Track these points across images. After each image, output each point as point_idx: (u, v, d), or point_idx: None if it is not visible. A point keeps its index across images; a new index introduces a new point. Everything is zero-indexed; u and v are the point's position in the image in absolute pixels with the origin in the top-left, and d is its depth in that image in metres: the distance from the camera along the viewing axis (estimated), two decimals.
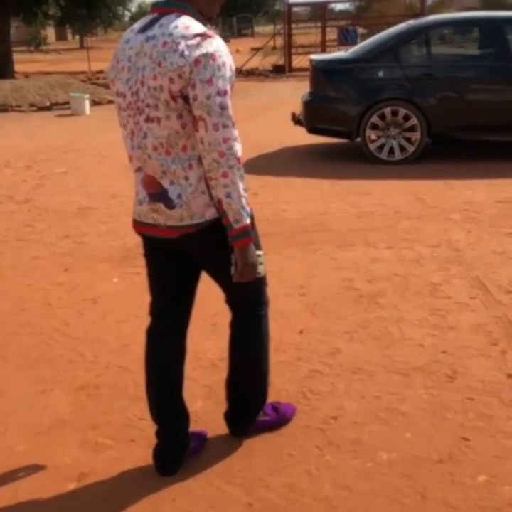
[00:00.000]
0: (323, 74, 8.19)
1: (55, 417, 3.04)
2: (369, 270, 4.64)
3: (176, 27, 2.11)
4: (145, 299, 4.34)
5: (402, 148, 7.92)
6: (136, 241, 5.47)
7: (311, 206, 6.16)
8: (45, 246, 5.41)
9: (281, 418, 2.91)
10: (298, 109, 8.77)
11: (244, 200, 2.20)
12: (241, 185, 2.17)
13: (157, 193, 2.28)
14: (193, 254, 2.43)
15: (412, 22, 8.46)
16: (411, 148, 7.89)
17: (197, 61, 2.05)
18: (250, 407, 2.82)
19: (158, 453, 2.66)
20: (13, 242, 5.53)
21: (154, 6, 2.26)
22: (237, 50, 29.16)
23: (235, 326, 2.74)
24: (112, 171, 8.08)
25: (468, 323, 3.79)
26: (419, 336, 3.66)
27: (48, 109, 14.26)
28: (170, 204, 2.26)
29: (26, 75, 20.39)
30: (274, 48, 26.55)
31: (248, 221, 2.23)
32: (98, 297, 4.35)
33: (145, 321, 3.96)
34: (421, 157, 7.91)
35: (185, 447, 2.68)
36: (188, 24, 2.12)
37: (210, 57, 2.06)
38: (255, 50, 24.99)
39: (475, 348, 3.51)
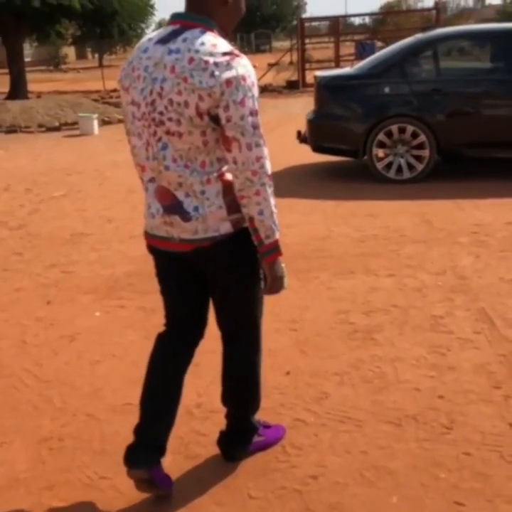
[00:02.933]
0: (327, 91, 7.93)
1: (9, 475, 2.78)
2: (367, 301, 4.34)
3: (203, 44, 2.10)
4: (126, 335, 4.13)
5: (411, 167, 7.62)
6: (125, 270, 5.29)
7: (312, 230, 5.88)
8: (31, 276, 5.17)
9: (275, 436, 2.86)
10: (304, 127, 8.50)
11: (275, 216, 2.24)
12: (272, 202, 2.22)
13: (171, 205, 2.26)
14: (203, 269, 2.40)
15: (419, 35, 8.16)
16: (420, 167, 7.59)
17: (228, 82, 2.07)
18: (244, 430, 2.77)
19: (132, 447, 2.58)
20: None
21: (175, 17, 2.23)
22: (255, 66, 28.67)
23: (226, 356, 2.68)
24: (111, 193, 7.86)
25: (470, 362, 3.48)
26: (416, 377, 3.35)
27: (56, 129, 14.14)
28: (186, 216, 2.24)
29: (38, 95, 20.36)
30: (290, 63, 26.41)
31: (278, 236, 2.27)
32: (77, 334, 4.09)
33: (122, 360, 3.74)
34: (429, 175, 7.60)
35: (158, 453, 2.56)
36: (214, 41, 2.12)
37: (240, 78, 2.08)
38: (272, 65, 24.83)
39: (476, 392, 3.20)
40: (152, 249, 2.50)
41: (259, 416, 2.90)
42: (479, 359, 3.51)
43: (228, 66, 2.07)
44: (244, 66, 2.11)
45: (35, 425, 3.13)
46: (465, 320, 3.99)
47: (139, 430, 2.60)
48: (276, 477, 2.66)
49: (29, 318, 4.38)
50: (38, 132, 14.13)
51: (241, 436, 2.78)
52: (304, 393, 3.26)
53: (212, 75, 2.06)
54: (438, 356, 3.56)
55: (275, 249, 2.28)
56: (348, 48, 27.59)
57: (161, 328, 4.06)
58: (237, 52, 2.12)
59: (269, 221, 2.22)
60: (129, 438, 2.96)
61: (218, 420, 2.83)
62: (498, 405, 3.07)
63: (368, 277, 4.77)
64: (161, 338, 2.75)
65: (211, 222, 2.24)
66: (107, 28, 21.68)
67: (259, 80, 20.99)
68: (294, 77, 21.88)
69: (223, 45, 2.13)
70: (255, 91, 2.14)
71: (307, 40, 23.16)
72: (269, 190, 2.21)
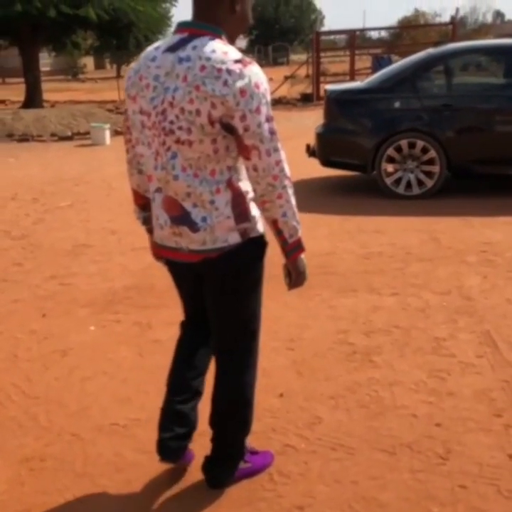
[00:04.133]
0: (337, 104, 7.84)
1: None
2: (368, 321, 4.23)
3: (214, 51, 2.08)
4: (119, 351, 4.04)
5: (420, 183, 7.50)
6: (124, 283, 5.20)
7: (316, 245, 5.76)
8: (29, 288, 5.10)
9: (263, 463, 2.76)
10: (313, 141, 8.41)
11: (297, 215, 2.28)
12: (294, 202, 2.25)
13: (179, 216, 2.26)
14: (209, 280, 2.39)
15: (431, 50, 8.06)
16: (429, 183, 7.47)
17: (242, 91, 2.06)
18: (230, 455, 2.66)
19: (162, 440, 2.62)
20: None
21: (183, 25, 2.22)
22: (271, 79, 28.85)
23: (219, 373, 2.60)
24: (117, 204, 7.80)
25: (470, 388, 3.35)
26: (413, 403, 3.23)
27: (69, 139, 14.15)
28: (194, 227, 2.23)
29: (52, 105, 20.44)
30: (306, 76, 26.36)
31: (301, 233, 2.31)
32: (69, 349, 4.00)
33: (113, 378, 3.65)
34: (439, 192, 7.47)
35: (186, 440, 2.67)
36: (225, 49, 2.11)
37: (254, 86, 2.08)
38: (287, 78, 24.80)
39: (475, 420, 3.07)
40: (162, 258, 2.53)
41: (248, 441, 2.79)
42: (480, 385, 3.38)
43: (241, 74, 2.07)
44: (257, 74, 2.11)
45: (19, 444, 3.04)
46: (468, 343, 3.86)
47: (165, 419, 2.66)
48: (262, 507, 2.55)
49: (23, 331, 4.30)
50: (51, 141, 14.15)
51: (226, 463, 2.67)
52: (296, 417, 3.15)
53: (225, 83, 2.05)
54: (438, 381, 3.44)
55: (299, 246, 2.33)
56: (365, 62, 27.52)
57: (155, 345, 4.00)
58: (248, 59, 2.12)
59: (293, 221, 2.27)
60: (113, 460, 2.88)
61: (205, 443, 2.72)
62: (497, 435, 2.94)
63: (370, 296, 4.65)
64: (183, 326, 2.82)
65: (219, 232, 2.24)
66: (123, 39, 21.73)
67: (273, 92, 21.05)
68: (309, 90, 21.83)
69: (234, 52, 2.12)
70: (269, 97, 2.16)
71: (324, 54, 23.07)
72: (290, 191, 2.24)
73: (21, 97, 21.46)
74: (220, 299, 2.45)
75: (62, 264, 5.66)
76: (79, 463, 2.88)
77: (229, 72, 2.06)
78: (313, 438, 2.98)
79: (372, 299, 4.59)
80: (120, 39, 21.79)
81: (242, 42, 73.30)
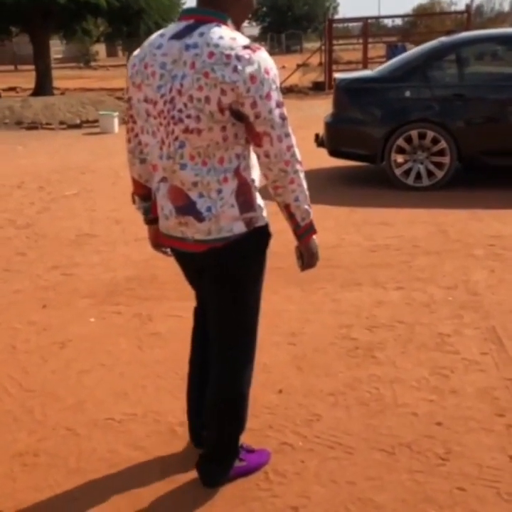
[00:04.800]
0: (346, 94, 7.74)
1: None
2: (371, 315, 4.16)
3: (221, 38, 2.06)
4: (118, 343, 3.99)
5: (430, 174, 7.39)
6: (126, 274, 5.15)
7: (322, 237, 5.56)
8: (31, 278, 5.06)
9: (258, 461, 2.71)
10: (322, 130, 8.30)
11: (308, 199, 2.28)
12: (305, 185, 2.25)
13: (184, 206, 2.23)
14: (211, 269, 2.37)
15: (443, 39, 7.94)
16: (440, 174, 7.36)
17: (252, 77, 2.04)
18: (224, 453, 2.61)
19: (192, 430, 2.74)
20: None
21: (188, 12, 2.20)
22: (283, 67, 28.82)
23: (215, 368, 2.54)
24: (123, 193, 7.71)
25: (473, 386, 3.28)
26: (415, 401, 3.16)
27: (77, 127, 14.10)
28: (199, 216, 2.21)
29: (62, 92, 20.38)
30: (319, 64, 26.16)
31: (312, 216, 2.31)
32: (68, 341, 3.96)
33: (110, 370, 3.60)
34: (449, 183, 7.37)
35: None
36: (233, 35, 2.09)
37: (264, 72, 2.06)
38: (299, 66, 24.62)
39: (477, 419, 3.00)
40: (168, 247, 2.52)
41: (245, 438, 2.74)
42: (484, 383, 3.30)
43: (250, 60, 2.05)
44: (266, 59, 2.09)
45: (12, 438, 3.00)
46: (473, 339, 3.79)
47: (192, 408, 2.73)
48: (255, 507, 2.49)
49: (23, 322, 4.26)
50: (59, 129, 14.11)
51: (221, 461, 2.61)
52: (294, 414, 3.09)
53: (235, 69, 2.03)
54: (440, 378, 3.37)
55: (311, 228, 2.33)
56: (379, 51, 27.31)
57: (154, 338, 3.95)
58: (256, 45, 2.10)
59: (305, 204, 2.27)
60: (106, 456, 2.84)
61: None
62: (499, 435, 2.87)
63: (375, 290, 4.58)
64: (195, 313, 2.77)
65: (224, 222, 2.22)
66: (134, 26, 21.61)
67: (285, 80, 20.89)
68: (321, 79, 21.67)
69: (242, 38, 2.10)
70: (278, 82, 2.14)
71: (336, 42, 22.88)
72: (302, 175, 2.23)
73: (32, 85, 21.41)
74: (220, 289, 2.41)
75: (66, 254, 5.62)
76: (72, 459, 2.83)
77: (238, 58, 2.04)
78: (311, 436, 2.92)
79: (376, 293, 4.51)
80: (131, 26, 21.68)
81: (255, 29, 73.00)
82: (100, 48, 52.56)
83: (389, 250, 5.42)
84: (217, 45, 2.05)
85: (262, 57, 2.08)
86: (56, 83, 22.61)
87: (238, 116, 2.11)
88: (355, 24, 35.01)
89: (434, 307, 4.25)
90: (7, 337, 4.04)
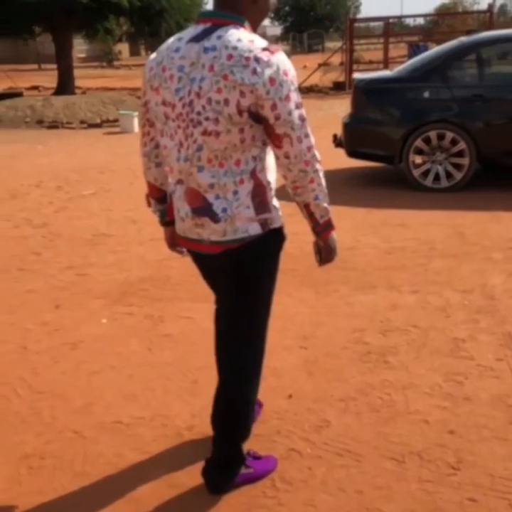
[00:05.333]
0: (364, 94, 7.66)
1: None
2: (386, 319, 4.10)
3: (240, 40, 2.07)
4: (129, 345, 3.97)
5: (449, 175, 7.30)
6: (140, 274, 5.13)
7: (338, 239, 5.60)
8: (45, 278, 5.06)
9: (265, 468, 2.67)
10: (340, 131, 8.24)
11: (327, 196, 2.29)
12: (324, 183, 2.26)
13: (201, 207, 2.24)
14: (225, 269, 2.36)
15: (463, 39, 7.84)
16: (458, 175, 7.27)
17: (272, 80, 2.05)
18: (229, 458, 2.58)
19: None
20: (14, 273, 5.21)
21: (206, 15, 2.21)
22: (304, 66, 28.79)
23: (223, 372, 2.55)
24: (140, 193, 7.67)
25: (488, 393, 3.21)
26: (427, 408, 3.10)
27: (98, 126, 14.16)
28: (215, 217, 2.22)
29: (84, 91, 20.48)
30: (341, 63, 26.04)
31: (330, 213, 2.33)
32: (80, 342, 3.95)
33: (120, 372, 3.58)
34: (468, 185, 7.27)
35: None
36: (251, 37, 2.10)
37: (282, 73, 2.07)
38: (320, 65, 24.53)
39: (490, 427, 2.93)
40: (185, 250, 2.53)
41: (252, 444, 2.71)
42: (498, 390, 3.24)
43: (269, 62, 2.06)
44: (284, 61, 2.10)
45: (20, 440, 2.98)
46: (488, 345, 3.72)
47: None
48: None
49: (35, 322, 4.26)
50: (80, 128, 14.18)
51: (226, 467, 2.58)
52: (303, 420, 3.05)
53: (254, 71, 2.04)
54: (454, 385, 3.30)
55: (329, 225, 2.36)
56: (401, 50, 27.10)
57: (165, 340, 3.93)
58: (274, 46, 2.11)
59: (324, 202, 2.29)
60: (113, 461, 2.82)
61: (209, 446, 2.63)
62: None
63: (390, 293, 4.52)
64: (216, 314, 2.67)
65: (239, 222, 2.23)
66: (155, 26, 21.65)
67: (305, 80, 20.83)
68: (342, 78, 21.56)
69: (259, 40, 2.11)
70: (296, 83, 2.15)
71: (357, 41, 22.75)
72: (321, 174, 2.24)
73: (55, 84, 21.54)
74: (232, 290, 2.41)
75: (81, 254, 5.62)
76: (78, 462, 2.82)
77: (257, 60, 2.05)
78: (320, 442, 2.87)
79: (391, 297, 4.45)
80: (152, 26, 21.73)
81: (277, 29, 72.90)
82: (123, 48, 52.81)
83: (405, 252, 5.35)
84: (235, 48, 2.06)
85: (281, 59, 2.10)
86: (78, 82, 22.74)
87: (257, 118, 2.11)
88: (377, 23, 34.85)
89: (449, 311, 4.19)
90: (19, 337, 4.04)
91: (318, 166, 2.21)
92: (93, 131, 13.95)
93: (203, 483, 2.60)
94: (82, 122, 14.36)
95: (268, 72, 2.05)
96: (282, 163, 2.21)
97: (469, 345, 3.72)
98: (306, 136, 2.17)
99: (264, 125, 2.14)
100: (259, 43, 2.10)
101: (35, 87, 24.55)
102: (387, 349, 3.71)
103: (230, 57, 2.06)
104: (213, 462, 2.57)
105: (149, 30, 22.87)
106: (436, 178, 7.33)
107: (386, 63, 20.36)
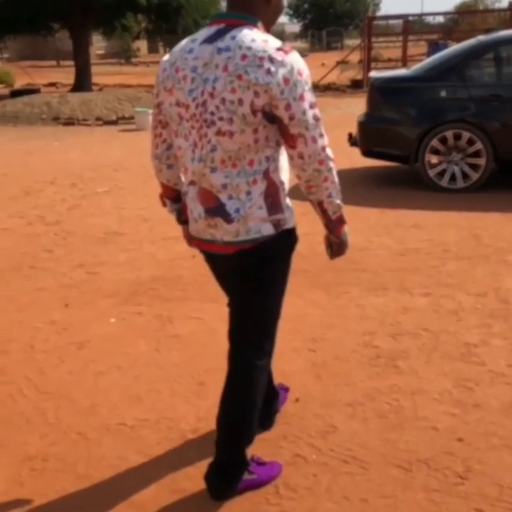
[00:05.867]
0: (380, 93, 7.58)
1: None
2: (396, 322, 4.04)
3: (254, 40, 2.08)
4: (136, 345, 3.95)
5: (465, 176, 7.21)
6: (151, 274, 5.11)
7: (350, 240, 5.56)
8: (55, 276, 5.06)
9: (269, 475, 2.63)
10: (356, 130, 8.16)
11: (340, 193, 2.30)
12: (337, 180, 2.27)
13: (214, 208, 2.24)
14: (237, 269, 2.36)
15: (482, 37, 7.73)
16: (475, 176, 7.17)
17: (286, 80, 2.05)
18: (232, 462, 2.54)
19: None
20: (25, 270, 5.21)
21: (219, 17, 2.23)
22: (323, 64, 28.66)
23: (230, 371, 2.52)
24: (153, 191, 7.65)
25: (498, 400, 3.15)
26: (436, 414, 3.05)
27: (113, 123, 14.17)
28: (228, 218, 2.22)
29: (100, 88, 20.52)
30: (359, 61, 25.87)
31: (343, 208, 2.34)
32: (87, 341, 3.93)
33: (126, 373, 3.56)
34: (484, 185, 7.18)
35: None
36: (265, 38, 2.10)
37: (297, 73, 2.08)
38: (338, 63, 24.40)
39: (500, 435, 2.87)
40: (200, 251, 2.50)
41: (257, 448, 2.68)
42: (509, 397, 3.17)
43: (283, 62, 2.06)
44: (298, 61, 2.11)
45: (23, 441, 2.97)
46: (501, 350, 3.65)
47: None
48: None
49: (44, 320, 4.25)
50: (95, 125, 14.20)
51: (229, 471, 2.54)
52: (310, 425, 3.00)
53: (268, 71, 2.04)
54: (464, 391, 3.24)
55: (341, 220, 2.37)
56: (421, 48, 26.86)
57: (173, 340, 3.89)
58: (288, 46, 2.12)
59: (337, 199, 2.30)
60: (116, 463, 2.79)
61: (214, 450, 2.60)
62: None
63: (401, 295, 4.46)
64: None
65: (252, 223, 2.23)
66: (172, 23, 21.64)
67: (323, 78, 20.72)
68: (360, 76, 21.43)
69: (273, 40, 2.12)
70: (310, 83, 2.16)
71: (375, 39, 22.60)
72: (335, 172, 2.25)
73: (72, 80, 21.60)
74: (243, 290, 2.42)
75: (92, 252, 5.61)
76: (81, 464, 2.79)
77: (271, 60, 2.05)
78: (326, 448, 2.83)
79: (403, 299, 4.39)
80: (169, 23, 21.72)
81: (296, 26, 72.71)
82: (142, 45, 52.86)
83: (419, 254, 5.28)
84: (249, 48, 2.07)
85: (295, 58, 2.10)
86: (96, 79, 22.79)
87: (270, 118, 2.12)
88: (397, 21, 34.59)
89: (461, 315, 4.12)
90: (27, 336, 4.03)
91: (331, 164, 2.22)
92: (108, 128, 13.96)
93: (205, 489, 2.56)
94: (97, 119, 14.37)
95: (282, 71, 2.05)
96: (296, 164, 2.20)
97: (481, 350, 3.66)
98: (321, 135, 2.17)
99: (278, 125, 2.14)
100: (273, 42, 2.10)
101: (52, 84, 24.64)
102: (397, 353, 3.65)
103: (244, 57, 2.06)
104: (216, 466, 2.53)
105: (167, 28, 22.86)
106: (452, 178, 7.25)
107: (404, 61, 20.18)
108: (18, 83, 25.13)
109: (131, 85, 22.89)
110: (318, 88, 20.88)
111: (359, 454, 2.78)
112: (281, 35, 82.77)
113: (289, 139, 2.15)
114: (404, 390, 3.27)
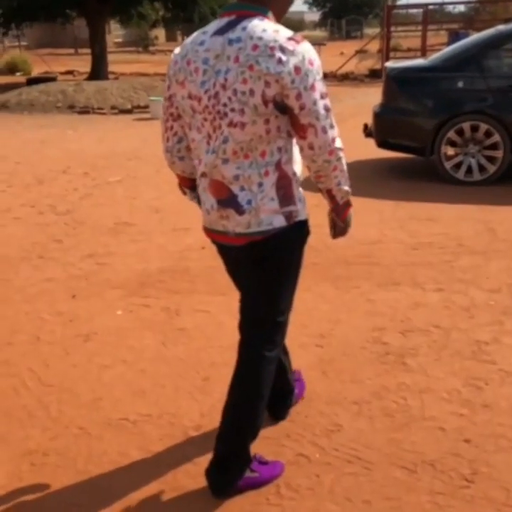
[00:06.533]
0: (396, 83, 7.45)
1: None
2: (407, 318, 3.97)
3: (265, 31, 2.07)
4: (142, 338, 3.91)
5: (482, 168, 7.09)
6: (160, 265, 5.07)
7: (362, 233, 5.49)
8: (64, 266, 5.03)
9: (271, 474, 2.58)
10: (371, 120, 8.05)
11: (348, 179, 2.32)
12: (345, 167, 2.27)
13: (226, 199, 2.24)
14: (249, 260, 2.36)
15: (501, 27, 7.57)
16: (492, 168, 7.06)
17: (297, 69, 2.05)
18: (234, 456, 2.50)
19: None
20: (34, 260, 5.19)
21: (230, 8, 2.20)
22: (342, 53, 28.45)
23: (239, 361, 2.51)
24: (165, 182, 7.66)
25: (508, 400, 3.08)
26: (443, 414, 2.98)
27: (128, 112, 14.12)
28: (239, 209, 2.22)
29: (116, 77, 20.47)
30: (379, 51, 25.61)
31: (350, 193, 2.35)
32: (93, 333, 3.90)
33: (131, 367, 3.52)
34: (501, 178, 7.06)
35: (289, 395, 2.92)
36: (275, 28, 2.09)
37: (308, 63, 2.07)
38: (356, 52, 24.18)
39: (509, 438, 2.80)
40: (212, 242, 2.49)
41: (260, 447, 2.64)
42: None
43: (294, 51, 2.05)
44: (309, 50, 2.10)
45: (25, 435, 2.94)
46: None
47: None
48: None
49: (50, 312, 4.22)
50: (110, 114, 14.15)
51: (231, 467, 2.49)
52: (314, 423, 2.95)
53: (279, 61, 2.03)
54: (473, 390, 3.17)
55: (348, 204, 2.39)
56: (442, 38, 26.53)
57: (179, 334, 3.85)
58: (299, 36, 2.10)
59: (345, 186, 2.31)
60: (116, 459, 2.76)
61: (216, 445, 2.55)
62: None
63: (413, 290, 4.38)
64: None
65: (263, 215, 2.22)
66: (189, 11, 21.53)
67: (341, 67, 20.54)
68: (378, 66, 21.21)
69: (284, 30, 2.11)
70: (322, 73, 2.15)
71: (394, 28, 22.35)
72: (344, 161, 2.25)
73: (89, 69, 21.58)
74: (255, 282, 2.41)
75: (102, 243, 5.57)
76: (81, 460, 2.76)
77: (282, 49, 2.04)
78: (330, 448, 2.78)
79: (414, 294, 4.32)
80: (186, 11, 21.61)
81: (315, 15, 72.21)
82: (160, 33, 52.77)
83: (432, 248, 5.19)
84: (260, 38, 2.05)
85: (306, 48, 2.09)
86: (113, 67, 22.75)
87: (282, 108, 2.11)
88: (417, 10, 34.18)
89: (473, 311, 4.04)
90: (33, 327, 4.00)
91: (341, 153, 2.21)
92: (123, 116, 13.91)
93: (205, 487, 2.53)
94: (112, 108, 14.33)
95: (293, 60, 2.04)
96: (306, 155, 2.19)
97: (492, 348, 3.58)
98: (331, 126, 2.15)
99: (289, 115, 2.13)
100: (284, 32, 2.09)
101: (70, 72, 24.65)
102: (407, 350, 3.58)
103: (255, 47, 2.05)
104: (218, 462, 2.49)
105: (184, 16, 22.73)
106: (469, 171, 7.13)
107: (424, 51, 19.93)
108: (36, 71, 25.16)
109: (148, 74, 22.82)
110: (336, 77, 20.73)
111: (363, 453, 2.73)
112: (300, 24, 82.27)
113: (299, 130, 2.14)
114: (412, 388, 3.21)
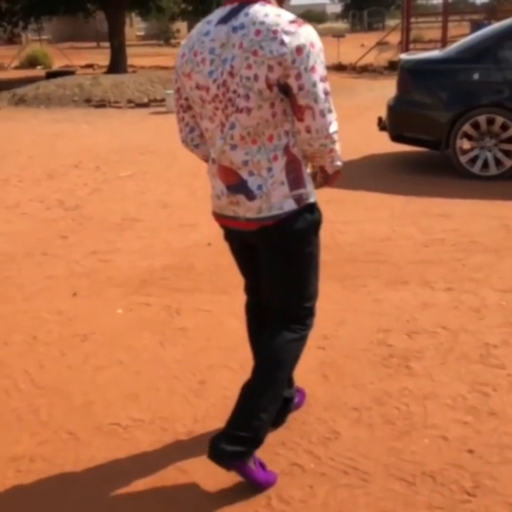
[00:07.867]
0: (411, 75, 7.28)
1: None
2: (413, 319, 3.83)
3: (267, 15, 2.09)
4: (141, 338, 3.82)
5: (498, 162, 6.90)
6: (164, 262, 4.98)
7: (373, 229, 5.36)
8: (67, 263, 4.95)
9: (266, 479, 2.48)
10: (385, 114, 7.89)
11: (340, 155, 2.36)
12: (338, 146, 2.31)
13: (236, 185, 2.26)
14: (264, 247, 2.37)
15: None
16: (509, 163, 6.86)
17: (299, 49, 2.06)
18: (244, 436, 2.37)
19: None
20: (37, 257, 5.12)
21: None
22: (362, 45, 28.13)
23: (268, 339, 2.50)
24: (176, 176, 7.60)
25: None
26: (446, 422, 2.85)
27: (145, 105, 14.05)
28: (250, 195, 2.24)
29: (134, 70, 20.40)
30: (400, 43, 25.27)
31: (341, 164, 2.41)
32: (91, 333, 3.81)
33: (127, 369, 3.42)
34: None
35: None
36: (277, 12, 2.12)
37: (310, 45, 2.09)
38: (377, 44, 23.87)
39: None
40: (222, 226, 2.50)
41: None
42: None
43: (296, 33, 2.07)
44: (311, 33, 2.12)
45: (13, 440, 2.86)
46: None
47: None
48: None
49: (50, 310, 4.14)
50: (127, 108, 14.08)
51: (240, 440, 2.34)
52: (311, 430, 2.83)
53: (282, 42, 2.06)
54: (479, 397, 3.03)
55: (337, 173, 2.44)
56: (465, 29, 26.14)
57: (179, 334, 3.75)
58: (301, 20, 2.13)
59: (337, 161, 2.37)
60: (104, 466, 2.67)
61: (206, 457, 2.44)
62: None
63: (422, 290, 4.24)
64: (246, 309, 2.77)
65: (274, 199, 2.23)
66: (207, 5, 21.42)
67: (361, 59, 20.28)
68: (397, 58, 20.92)
69: (286, 14, 2.13)
70: (323, 57, 2.15)
71: (414, 19, 22.04)
72: (338, 143, 2.29)
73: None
74: (272, 267, 2.41)
75: (107, 239, 5.49)
76: (68, 466, 2.67)
77: (285, 32, 2.07)
78: (326, 457, 2.66)
79: (423, 294, 4.18)
80: (204, 4, 21.50)
81: (337, 6, 71.73)
82: (182, 26, 52.61)
83: (443, 245, 5.04)
84: (263, 23, 2.08)
85: (308, 31, 2.11)
86: (133, 61, 22.72)
87: (285, 89, 2.12)
88: (439, 1, 33.73)
89: (483, 312, 3.89)
90: (31, 327, 3.92)
91: (336, 137, 2.24)
92: (140, 110, 13.84)
93: (193, 497, 2.43)
94: (129, 101, 14.26)
95: (295, 42, 2.06)
96: (303, 138, 2.20)
97: (501, 351, 3.44)
98: (330, 111, 2.16)
99: (289, 97, 2.14)
100: (286, 16, 2.11)
101: (90, 66, 24.66)
102: (411, 353, 3.45)
103: (258, 32, 2.07)
104: (228, 433, 2.36)
105: (202, 9, 22.63)
106: (485, 165, 6.95)
107: (444, 42, 19.58)
108: (57, 65, 25.23)
109: (167, 67, 22.68)
110: (355, 69, 20.52)
111: (360, 464, 2.61)
112: (322, 16, 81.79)
113: (297, 111, 2.15)
114: (415, 393, 3.08)
